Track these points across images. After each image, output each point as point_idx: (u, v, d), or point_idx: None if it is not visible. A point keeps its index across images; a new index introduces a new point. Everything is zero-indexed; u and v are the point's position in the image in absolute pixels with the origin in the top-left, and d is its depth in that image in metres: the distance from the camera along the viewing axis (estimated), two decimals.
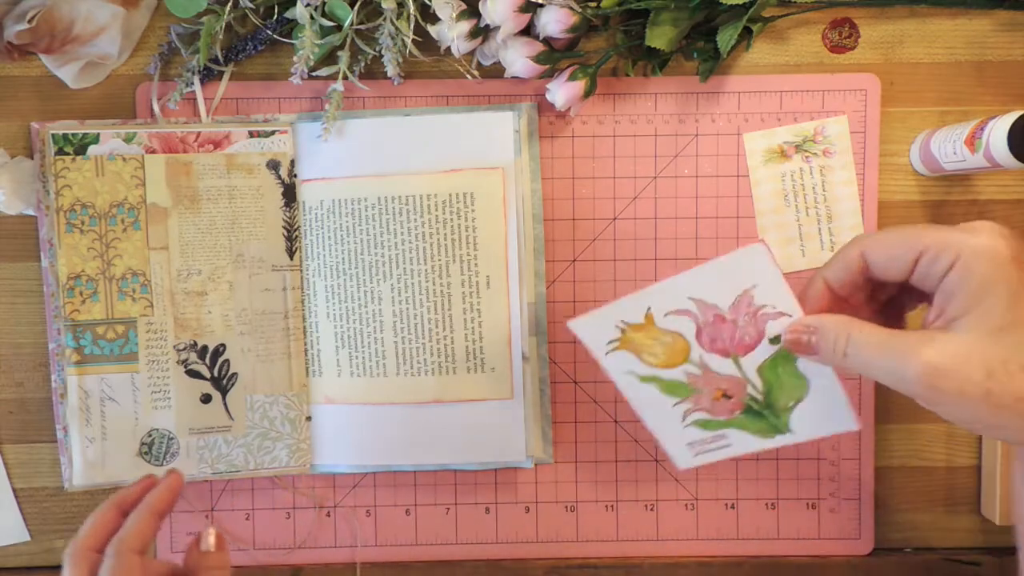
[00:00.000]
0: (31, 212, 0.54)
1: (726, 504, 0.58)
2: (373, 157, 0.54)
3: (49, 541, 0.57)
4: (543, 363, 0.55)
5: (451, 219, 0.54)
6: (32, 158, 0.54)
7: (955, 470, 0.58)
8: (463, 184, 0.54)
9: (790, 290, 0.40)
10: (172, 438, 0.55)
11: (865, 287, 0.39)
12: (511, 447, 0.55)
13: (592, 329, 0.44)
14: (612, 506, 0.58)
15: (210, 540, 0.44)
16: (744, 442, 0.46)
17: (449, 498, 0.57)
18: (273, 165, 0.55)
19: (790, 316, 0.41)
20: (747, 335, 0.42)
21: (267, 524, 0.57)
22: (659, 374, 0.45)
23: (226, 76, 0.55)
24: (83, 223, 0.54)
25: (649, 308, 0.43)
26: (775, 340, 0.42)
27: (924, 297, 0.38)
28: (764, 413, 0.45)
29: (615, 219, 0.56)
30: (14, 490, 0.57)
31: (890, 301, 0.41)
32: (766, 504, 0.58)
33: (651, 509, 0.58)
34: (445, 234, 0.54)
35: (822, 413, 0.44)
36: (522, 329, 0.54)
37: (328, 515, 0.57)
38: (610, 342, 0.44)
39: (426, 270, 0.54)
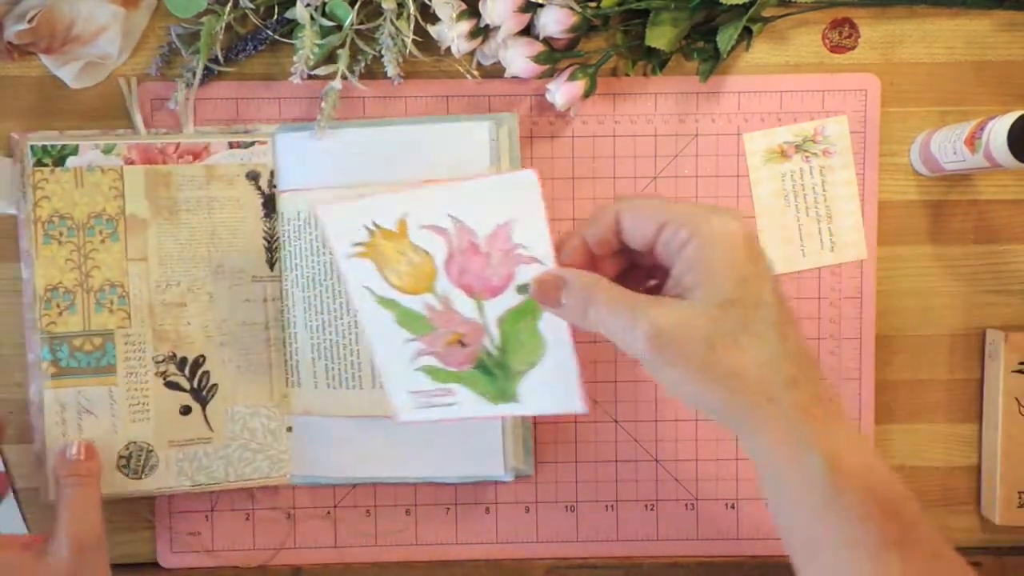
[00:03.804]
0: (13, 211, 0.54)
1: (726, 504, 0.58)
2: (351, 167, 0.54)
3: None
4: None
5: None
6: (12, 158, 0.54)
7: (955, 470, 0.58)
8: None
9: (549, 235, 0.39)
10: (151, 450, 0.55)
11: (618, 252, 0.40)
12: (489, 460, 0.54)
13: (342, 221, 0.42)
14: (612, 506, 0.58)
15: (73, 449, 0.51)
16: (470, 404, 0.45)
17: (449, 498, 0.57)
18: (253, 176, 0.55)
19: (542, 264, 0.40)
20: (496, 275, 0.41)
21: (267, 524, 0.57)
22: (399, 299, 0.43)
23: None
24: (61, 234, 0.53)
25: (406, 215, 0.41)
26: (522, 289, 0.41)
27: (667, 274, 0.38)
28: (495, 373, 0.43)
29: None
30: (14, 490, 0.57)
31: (638, 272, 0.41)
32: (766, 504, 0.58)
33: (651, 509, 0.58)
34: None
35: (552, 387, 0.43)
36: None
37: (328, 515, 0.57)
38: (356, 244, 0.42)
39: None
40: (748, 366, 0.34)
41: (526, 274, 0.40)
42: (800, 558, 0.37)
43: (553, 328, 0.41)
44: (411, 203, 0.41)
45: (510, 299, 0.41)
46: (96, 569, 0.47)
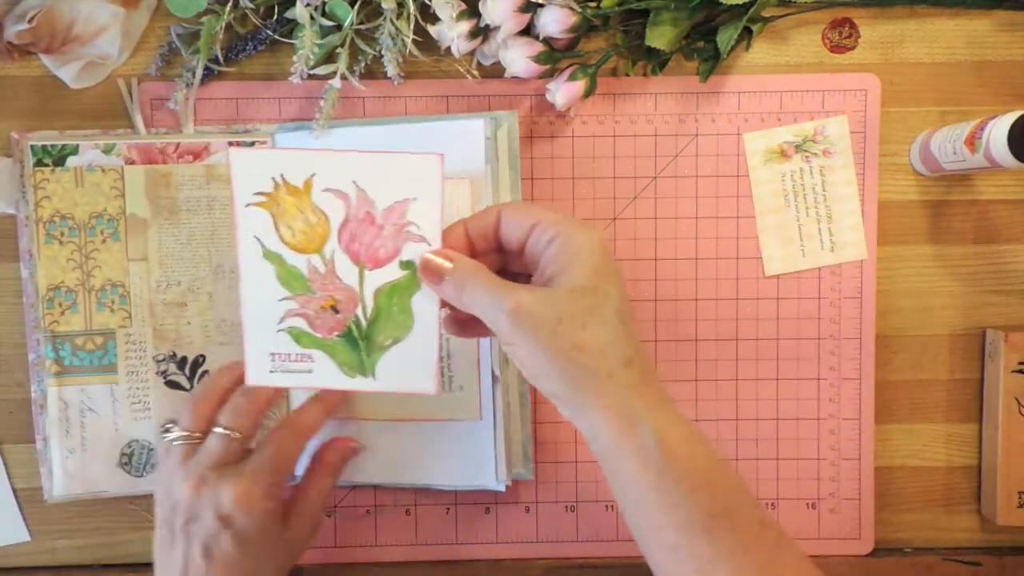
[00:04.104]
0: (12, 211, 0.54)
1: None
2: None
3: (49, 541, 0.57)
4: (522, 378, 0.54)
5: None
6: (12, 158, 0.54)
7: (955, 470, 0.58)
8: None
9: (441, 218, 0.43)
10: (152, 449, 0.55)
11: (493, 252, 0.44)
12: (482, 470, 0.54)
13: (251, 168, 0.44)
14: (612, 506, 0.58)
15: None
16: (326, 374, 0.46)
17: (449, 498, 0.57)
18: None
19: (429, 244, 0.43)
20: (384, 248, 0.44)
21: None
22: (284, 255, 0.44)
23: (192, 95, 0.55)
24: (62, 234, 0.54)
25: (313, 174, 0.43)
26: (405, 265, 0.44)
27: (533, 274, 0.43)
28: (360, 344, 0.45)
29: (615, 219, 0.56)
30: (14, 490, 0.57)
31: (506, 276, 0.44)
32: (766, 504, 0.58)
33: None
34: None
35: (409, 366, 0.45)
36: (492, 349, 0.53)
37: (328, 515, 0.57)
38: (258, 193, 0.44)
39: None
40: (591, 342, 0.38)
41: (412, 252, 0.43)
42: (643, 537, 0.39)
43: (423, 308, 0.44)
44: (321, 163, 0.43)
45: (391, 273, 0.44)
46: (303, 553, 0.50)
